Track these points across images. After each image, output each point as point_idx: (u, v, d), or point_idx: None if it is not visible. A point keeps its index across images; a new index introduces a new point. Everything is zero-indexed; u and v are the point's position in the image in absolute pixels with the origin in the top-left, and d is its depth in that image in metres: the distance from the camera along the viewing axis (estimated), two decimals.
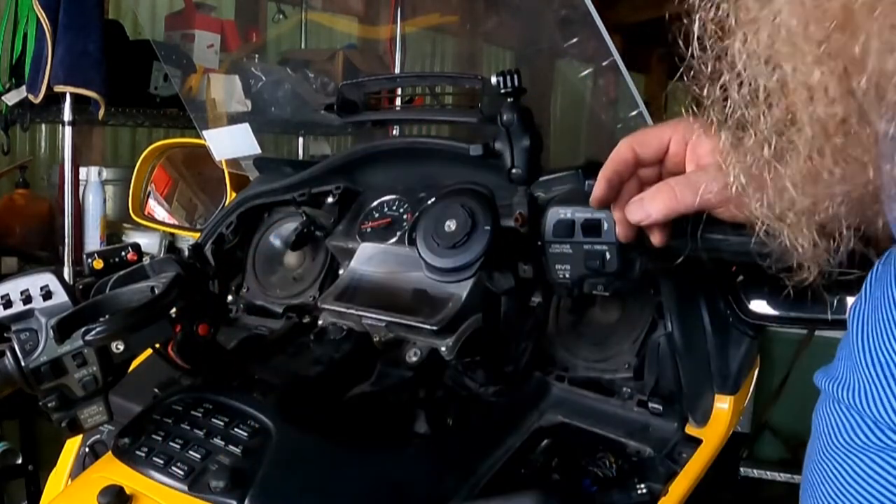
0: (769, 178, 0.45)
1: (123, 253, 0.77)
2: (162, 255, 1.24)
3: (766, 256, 0.51)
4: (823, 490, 0.48)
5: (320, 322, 0.91)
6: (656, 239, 0.65)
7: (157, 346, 0.74)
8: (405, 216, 1.00)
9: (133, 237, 2.22)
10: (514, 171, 0.72)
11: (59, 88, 2.02)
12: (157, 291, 0.68)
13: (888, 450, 0.44)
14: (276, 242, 1.14)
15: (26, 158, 2.65)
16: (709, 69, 0.46)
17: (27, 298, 0.66)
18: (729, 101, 0.45)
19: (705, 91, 0.47)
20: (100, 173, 2.27)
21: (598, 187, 0.64)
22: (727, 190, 0.57)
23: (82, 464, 0.91)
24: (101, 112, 2.09)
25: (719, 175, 0.59)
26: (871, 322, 0.47)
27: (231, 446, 0.68)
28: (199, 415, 0.72)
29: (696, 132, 0.62)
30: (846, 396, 0.47)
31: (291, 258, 1.11)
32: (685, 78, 0.47)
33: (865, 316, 0.48)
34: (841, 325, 0.53)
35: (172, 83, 2.31)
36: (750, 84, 0.43)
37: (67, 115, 2.08)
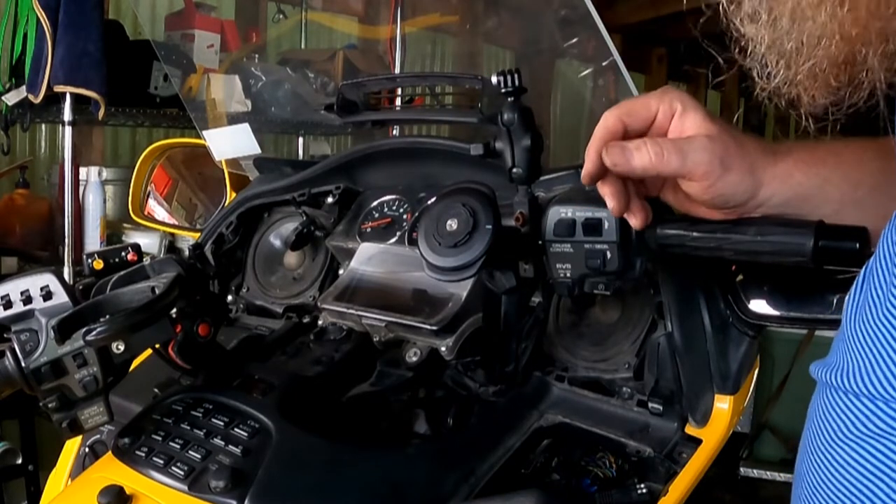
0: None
1: (123, 253, 0.77)
2: (162, 255, 1.24)
3: (762, 254, 0.50)
4: (818, 481, 0.45)
5: (320, 322, 0.91)
6: (637, 220, 0.65)
7: (158, 346, 0.74)
8: (405, 216, 1.00)
9: (133, 237, 2.21)
10: (514, 170, 0.72)
11: (58, 88, 2.02)
12: (157, 292, 0.69)
13: (886, 437, 0.41)
14: (276, 242, 1.14)
15: (26, 158, 2.65)
16: None
17: (27, 299, 0.66)
18: None
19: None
20: (100, 173, 2.26)
21: (589, 161, 0.63)
22: (712, 166, 0.59)
23: (82, 464, 0.91)
24: (101, 112, 2.09)
25: (707, 147, 0.60)
26: (863, 303, 0.45)
27: (231, 446, 0.68)
28: (199, 415, 0.72)
29: (684, 104, 0.62)
30: (840, 380, 0.45)
31: (291, 258, 1.11)
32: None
33: (859, 301, 0.46)
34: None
35: (172, 83, 2.31)
36: None
37: (67, 115, 2.08)
